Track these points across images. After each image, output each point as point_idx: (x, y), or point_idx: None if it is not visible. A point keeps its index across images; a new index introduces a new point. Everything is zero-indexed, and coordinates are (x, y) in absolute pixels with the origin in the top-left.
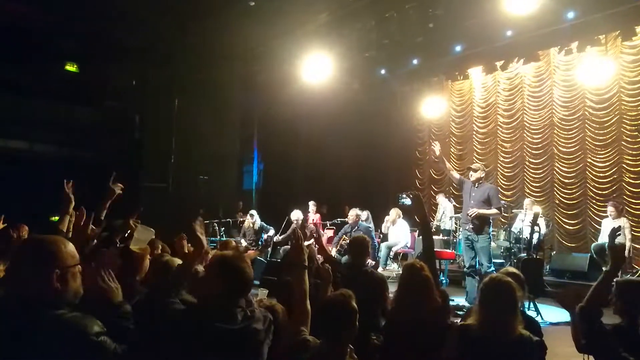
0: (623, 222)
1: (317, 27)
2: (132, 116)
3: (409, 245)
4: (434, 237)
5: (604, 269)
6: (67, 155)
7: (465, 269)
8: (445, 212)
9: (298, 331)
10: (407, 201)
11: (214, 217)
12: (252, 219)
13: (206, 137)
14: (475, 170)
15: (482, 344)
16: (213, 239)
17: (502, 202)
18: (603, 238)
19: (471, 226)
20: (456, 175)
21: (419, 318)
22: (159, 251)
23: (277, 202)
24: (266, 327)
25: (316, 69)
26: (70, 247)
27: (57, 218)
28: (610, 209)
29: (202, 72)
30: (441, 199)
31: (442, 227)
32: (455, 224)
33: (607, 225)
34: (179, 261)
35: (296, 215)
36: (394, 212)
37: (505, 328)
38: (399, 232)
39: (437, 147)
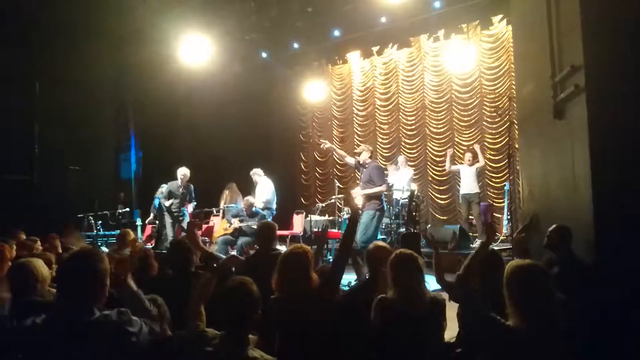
0: (480, 164)
1: (192, 7)
2: None
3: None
4: (323, 218)
5: (479, 241)
6: None
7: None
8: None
9: (194, 325)
10: None
11: (88, 210)
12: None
13: (75, 124)
14: (358, 154)
15: (403, 312)
16: (89, 233)
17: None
18: (464, 187)
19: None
20: (351, 159)
21: (300, 297)
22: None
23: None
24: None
25: (195, 50)
26: None
27: None
28: (468, 155)
29: (66, 53)
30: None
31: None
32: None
33: (464, 171)
34: (41, 262)
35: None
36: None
37: (421, 294)
38: None
39: (326, 145)
